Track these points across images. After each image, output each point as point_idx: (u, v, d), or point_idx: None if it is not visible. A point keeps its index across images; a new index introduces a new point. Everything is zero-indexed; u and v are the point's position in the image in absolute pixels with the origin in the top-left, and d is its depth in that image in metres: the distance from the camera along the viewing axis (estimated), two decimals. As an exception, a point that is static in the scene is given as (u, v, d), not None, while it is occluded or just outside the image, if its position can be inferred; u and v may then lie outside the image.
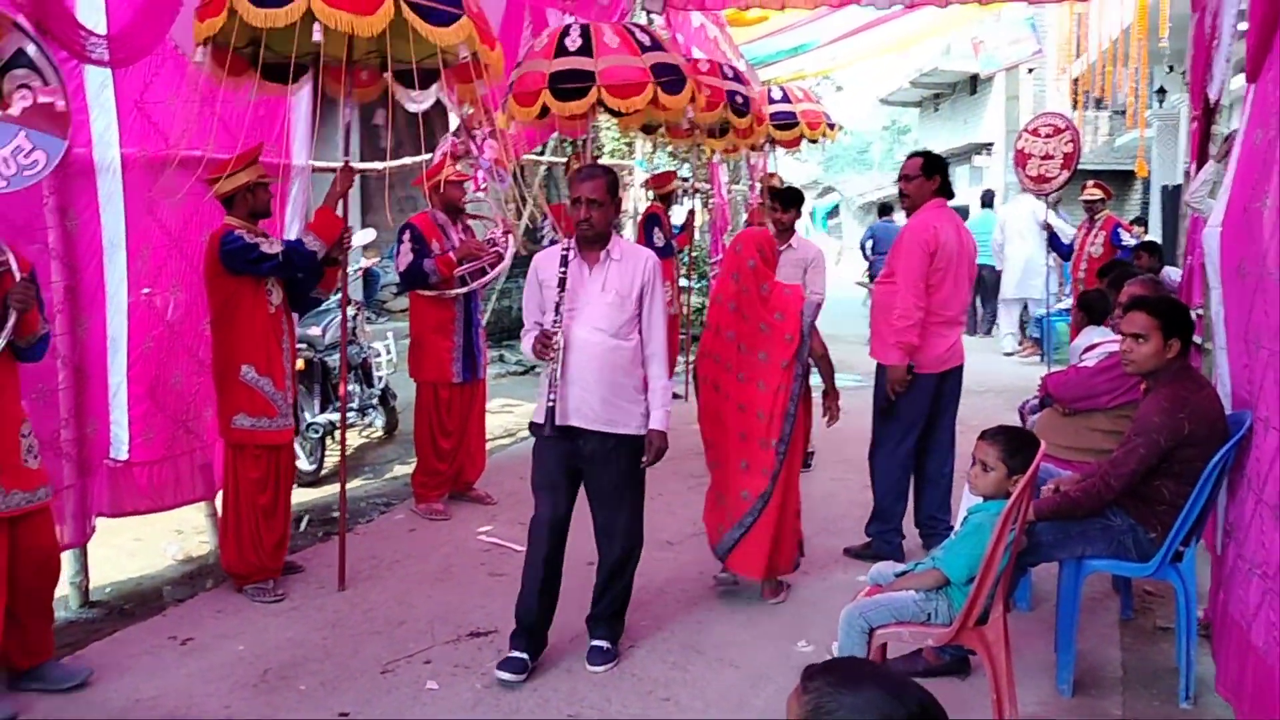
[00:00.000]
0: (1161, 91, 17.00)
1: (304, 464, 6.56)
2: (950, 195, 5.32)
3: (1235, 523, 3.71)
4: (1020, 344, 13.04)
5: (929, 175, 5.25)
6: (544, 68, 6.30)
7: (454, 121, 6.73)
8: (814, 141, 10.24)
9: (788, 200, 7.36)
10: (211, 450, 5.39)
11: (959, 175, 24.71)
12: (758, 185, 11.60)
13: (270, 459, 4.74)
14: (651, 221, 9.11)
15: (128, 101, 4.68)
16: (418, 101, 6.73)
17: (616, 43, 6.49)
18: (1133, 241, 9.25)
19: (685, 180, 14.17)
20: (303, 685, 3.87)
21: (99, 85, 4.52)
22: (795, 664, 4.04)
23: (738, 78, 8.12)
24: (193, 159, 4.93)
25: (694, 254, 9.84)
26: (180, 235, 5.11)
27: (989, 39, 18.74)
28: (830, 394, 4.77)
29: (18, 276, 3.58)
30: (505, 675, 3.88)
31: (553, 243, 7.03)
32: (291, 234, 6.00)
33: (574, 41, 6.41)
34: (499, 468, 6.81)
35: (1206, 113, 6.21)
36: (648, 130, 8.77)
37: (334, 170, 5.03)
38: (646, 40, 6.68)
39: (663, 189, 9.40)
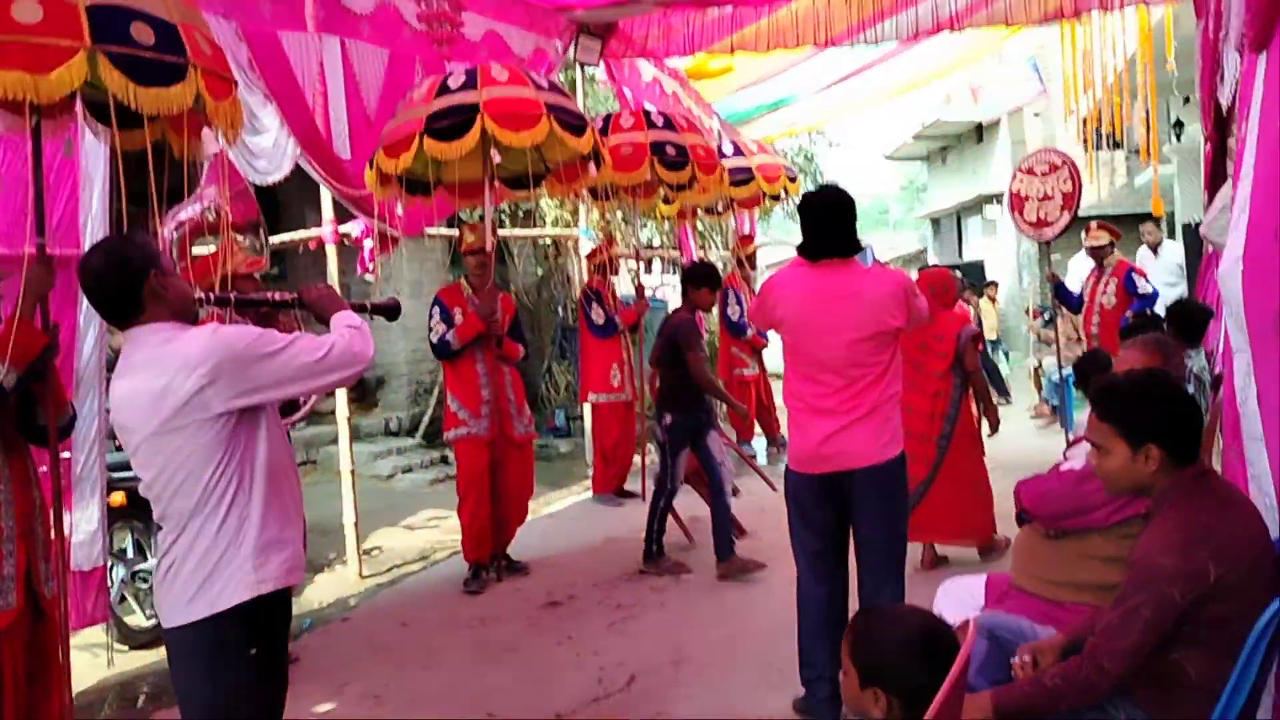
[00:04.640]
0: (1179, 124, 15.78)
1: (140, 619, 5.38)
2: (814, 251, 3.98)
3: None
4: (1036, 407, 11.68)
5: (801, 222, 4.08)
6: (421, 113, 5.36)
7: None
8: (775, 198, 9.13)
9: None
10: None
11: (970, 227, 23.54)
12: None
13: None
14: (590, 298, 7.95)
15: None
16: (263, 174, 5.74)
17: (505, 76, 5.50)
18: (1149, 288, 7.96)
19: (655, 248, 13.10)
20: None
21: None
22: None
23: (669, 124, 7.03)
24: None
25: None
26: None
27: (987, 83, 17.62)
28: (987, 409, 5.89)
29: None
30: None
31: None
32: (87, 341, 4.90)
33: (457, 80, 5.45)
34: (378, 609, 5.59)
35: (1219, 125, 5.01)
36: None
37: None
38: (544, 83, 5.70)
39: (594, 260, 8.19)
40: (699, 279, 6.24)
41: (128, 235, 2.73)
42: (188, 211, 4.49)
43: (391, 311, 3.18)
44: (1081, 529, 3.31)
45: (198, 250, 4.59)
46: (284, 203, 9.90)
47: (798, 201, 4.24)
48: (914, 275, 15.03)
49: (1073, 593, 3.26)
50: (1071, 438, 3.89)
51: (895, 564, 4.01)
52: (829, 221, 3.99)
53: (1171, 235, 17.88)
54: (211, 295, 3.06)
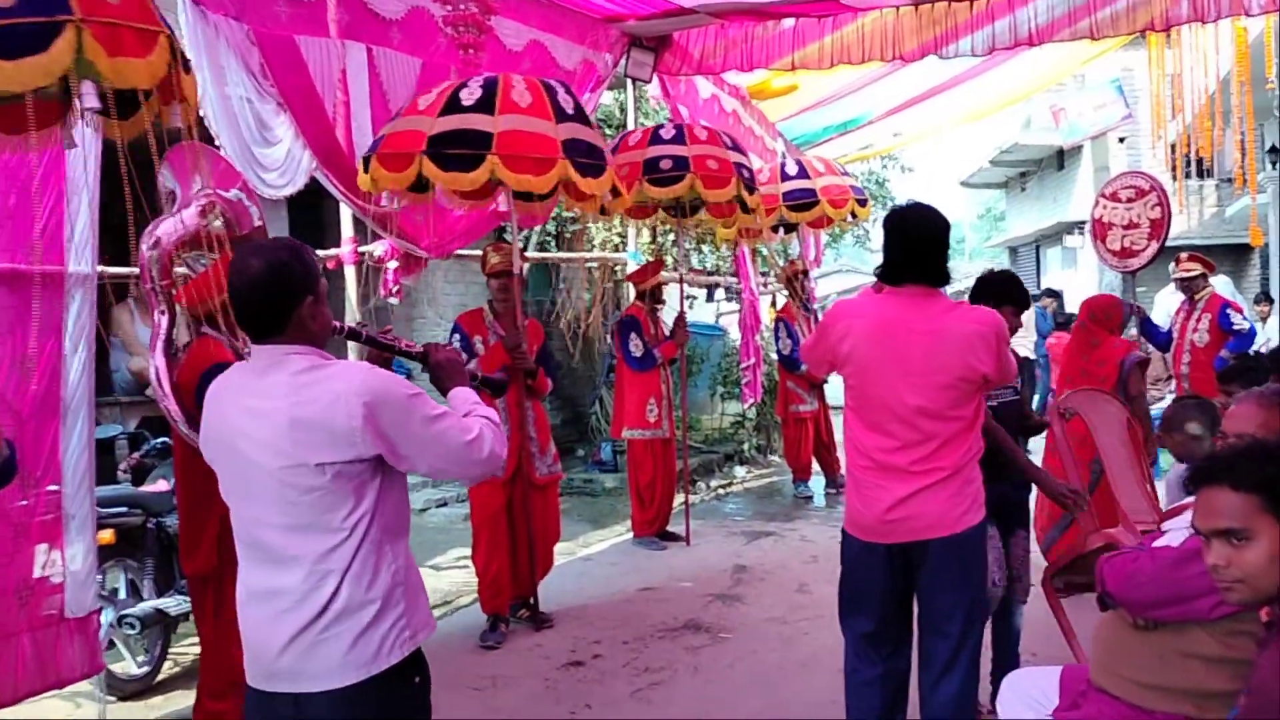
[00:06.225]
0: (1274, 150, 14.89)
1: (130, 667, 4.99)
2: (898, 274, 3.42)
3: None
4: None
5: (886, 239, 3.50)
6: (425, 126, 4.94)
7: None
8: (843, 221, 8.58)
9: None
10: None
11: (1049, 257, 22.72)
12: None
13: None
14: (628, 326, 7.40)
15: None
16: (275, 188, 5.36)
17: (528, 100, 5.02)
18: (1246, 325, 7.28)
19: (711, 273, 12.58)
20: None
21: None
22: None
23: (736, 147, 6.64)
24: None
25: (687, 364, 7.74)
26: None
27: (1070, 106, 16.90)
28: (1146, 439, 5.51)
29: None
30: None
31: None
32: (73, 364, 4.53)
33: (472, 94, 5.00)
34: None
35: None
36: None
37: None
38: (569, 106, 5.18)
39: (644, 284, 7.64)
40: (998, 293, 4.08)
41: (299, 247, 2.36)
42: (168, 225, 4.06)
43: (499, 386, 3.05)
44: (1180, 620, 2.72)
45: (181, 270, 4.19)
46: (327, 222, 9.58)
47: (883, 220, 3.61)
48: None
49: (1166, 700, 2.67)
50: (1171, 507, 3.27)
51: (969, 650, 3.41)
52: (921, 241, 3.40)
53: (1265, 267, 16.97)
54: (343, 326, 2.63)
